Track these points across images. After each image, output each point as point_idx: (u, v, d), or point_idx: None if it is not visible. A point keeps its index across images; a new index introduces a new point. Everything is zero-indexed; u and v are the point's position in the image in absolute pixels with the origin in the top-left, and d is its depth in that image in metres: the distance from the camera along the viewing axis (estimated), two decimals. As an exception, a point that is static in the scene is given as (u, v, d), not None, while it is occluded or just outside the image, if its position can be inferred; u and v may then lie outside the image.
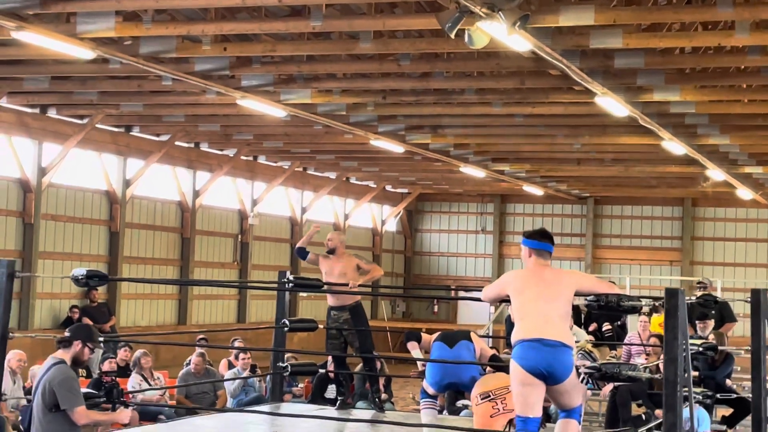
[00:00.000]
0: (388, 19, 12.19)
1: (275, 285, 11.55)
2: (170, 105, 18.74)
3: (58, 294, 20.61)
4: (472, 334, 9.69)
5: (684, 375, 6.89)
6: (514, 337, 7.02)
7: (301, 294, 26.92)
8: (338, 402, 11.65)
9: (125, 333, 20.62)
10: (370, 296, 28.88)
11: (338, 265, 11.25)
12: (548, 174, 27.18)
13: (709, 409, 13.19)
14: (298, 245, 11.56)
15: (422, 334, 10.03)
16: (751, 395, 9.60)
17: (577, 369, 7.46)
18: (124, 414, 8.52)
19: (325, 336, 11.50)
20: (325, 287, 10.87)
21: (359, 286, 11.23)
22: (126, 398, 13.26)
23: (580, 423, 7.30)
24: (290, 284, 10.50)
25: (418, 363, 10.32)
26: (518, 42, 11.14)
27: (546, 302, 7.03)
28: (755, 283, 29.75)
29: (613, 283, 8.58)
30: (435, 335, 9.81)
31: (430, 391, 9.42)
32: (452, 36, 10.28)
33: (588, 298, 7.29)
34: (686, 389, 7.00)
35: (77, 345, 8.07)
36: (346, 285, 11.00)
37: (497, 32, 10.26)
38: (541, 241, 7.35)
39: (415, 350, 9.83)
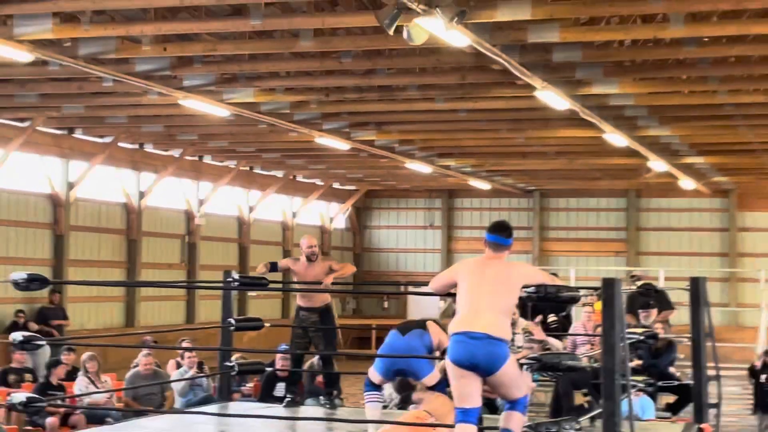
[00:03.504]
0: (328, 17, 12.21)
1: (220, 285, 11.54)
2: (112, 106, 18.62)
3: (3, 299, 20.39)
4: (430, 324, 9.69)
5: (622, 364, 6.99)
6: (449, 329, 7.11)
7: (251, 293, 26.90)
8: (286, 400, 11.68)
9: (73, 336, 20.45)
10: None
11: (312, 270, 11.34)
12: (494, 168, 27.36)
13: (653, 396, 13.40)
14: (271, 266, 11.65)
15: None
16: (692, 382, 9.78)
17: (519, 360, 7.54)
18: None
19: (282, 332, 11.60)
20: (298, 287, 11.05)
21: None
22: (72, 402, 13.26)
23: (524, 414, 7.36)
24: (235, 283, 10.52)
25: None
26: (457, 37, 11.21)
27: (483, 295, 7.05)
28: (699, 272, 30.14)
29: (555, 275, 8.68)
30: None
31: (376, 379, 9.42)
32: (391, 32, 10.33)
33: (528, 289, 7.33)
34: (626, 377, 7.10)
35: None
36: (316, 284, 11.13)
37: (435, 28, 10.33)
38: (493, 233, 7.36)
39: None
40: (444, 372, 9.20)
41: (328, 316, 11.49)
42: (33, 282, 8.28)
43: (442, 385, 9.52)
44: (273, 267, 11.47)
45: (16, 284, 8.23)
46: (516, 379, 7.13)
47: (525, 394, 7.32)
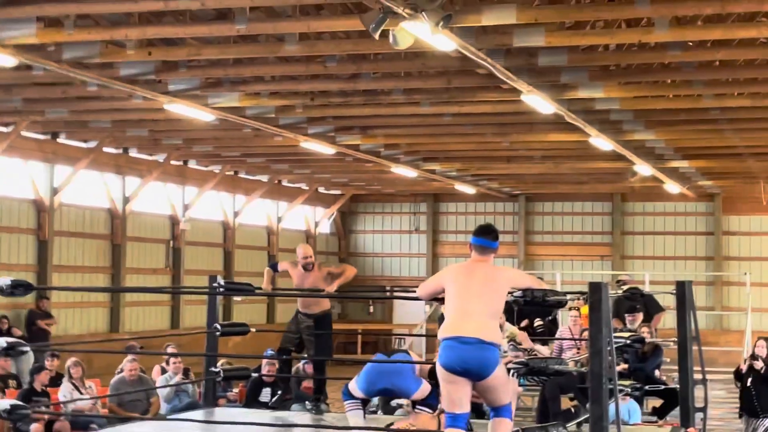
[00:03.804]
0: (313, 21, 12.18)
1: (206, 290, 11.49)
2: (97, 111, 18.56)
3: (-14, 305, 20.30)
4: (410, 352, 9.79)
5: (609, 368, 6.98)
6: (439, 335, 7.08)
7: (236, 298, 26.83)
8: (275, 398, 11.63)
9: (57, 342, 20.36)
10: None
11: (310, 277, 11.32)
12: (479, 172, 27.37)
13: (640, 400, 13.40)
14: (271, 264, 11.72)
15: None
16: (679, 386, 9.79)
17: (506, 365, 7.53)
18: None
19: (268, 338, 11.59)
20: (294, 293, 11.13)
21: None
22: (57, 409, 13.19)
23: (511, 420, 7.35)
24: (220, 289, 10.48)
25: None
26: (443, 42, 11.20)
27: (471, 299, 7.03)
28: (684, 276, 30.20)
29: (541, 279, 8.66)
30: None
31: (357, 394, 9.41)
32: (376, 37, 10.30)
33: (515, 294, 7.32)
34: (613, 382, 7.09)
35: None
36: (317, 291, 11.12)
37: (421, 32, 10.32)
38: (479, 236, 7.34)
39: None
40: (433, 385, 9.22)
41: (324, 323, 11.46)
42: (17, 288, 8.23)
43: (433, 397, 9.51)
44: (274, 267, 11.47)
45: (0, 290, 8.18)
46: (505, 383, 7.12)
47: (510, 400, 7.31)
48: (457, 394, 6.97)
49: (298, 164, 26.41)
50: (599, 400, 6.89)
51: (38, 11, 11.86)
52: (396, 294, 33.26)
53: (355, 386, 9.43)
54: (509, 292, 7.25)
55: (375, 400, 14.23)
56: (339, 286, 11.50)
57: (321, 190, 33.12)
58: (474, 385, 7.01)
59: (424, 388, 9.40)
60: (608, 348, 6.96)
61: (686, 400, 9.79)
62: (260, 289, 11.78)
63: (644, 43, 13.13)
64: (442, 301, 7.33)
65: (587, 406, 12.97)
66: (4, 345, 8.24)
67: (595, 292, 6.99)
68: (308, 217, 33.37)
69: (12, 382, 15.56)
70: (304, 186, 31.75)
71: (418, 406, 9.67)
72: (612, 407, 7.12)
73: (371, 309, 34.41)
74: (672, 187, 27.80)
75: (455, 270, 7.31)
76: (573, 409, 13.16)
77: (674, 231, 32.13)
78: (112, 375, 15.64)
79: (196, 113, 16.96)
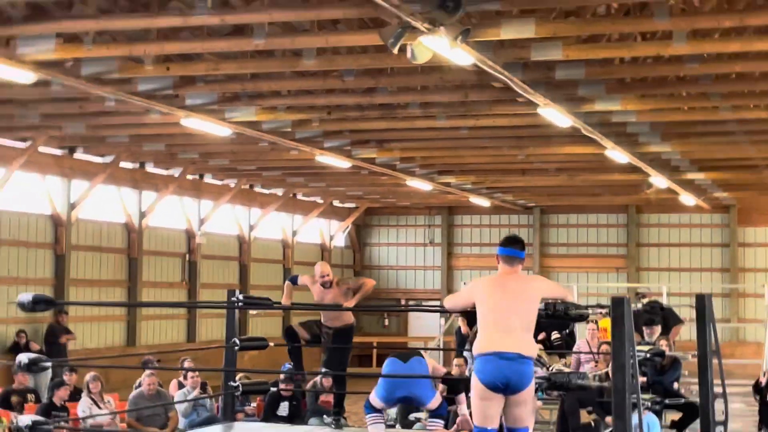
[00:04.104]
0: (331, 36, 12.22)
1: (225, 304, 11.49)
2: (114, 126, 18.62)
3: (4, 319, 20.36)
4: (423, 353, 9.77)
5: (632, 382, 6.96)
6: (475, 350, 7.04)
7: (251, 312, 26.85)
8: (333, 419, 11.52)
9: (74, 357, 20.41)
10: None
11: (330, 294, 11.32)
12: (494, 185, 27.37)
13: (659, 414, 13.37)
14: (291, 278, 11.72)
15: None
16: (699, 399, 9.75)
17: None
18: None
19: (285, 352, 11.57)
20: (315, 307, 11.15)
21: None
22: (76, 424, 13.21)
23: None
24: (240, 303, 10.48)
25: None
26: (460, 56, 11.22)
27: (507, 312, 7.00)
28: (700, 288, 30.15)
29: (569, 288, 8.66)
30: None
31: (378, 405, 9.41)
32: (395, 52, 10.33)
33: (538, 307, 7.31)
34: (635, 396, 7.07)
35: None
36: (338, 308, 11.10)
37: (439, 47, 10.34)
38: (506, 246, 7.31)
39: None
40: (445, 395, 9.22)
41: (343, 336, 11.43)
42: (38, 303, 8.26)
43: (443, 408, 9.51)
44: (293, 281, 11.47)
45: (22, 306, 8.20)
46: (533, 398, 7.13)
47: (532, 422, 7.29)
48: (490, 411, 6.97)
49: (313, 178, 26.46)
50: (623, 416, 6.85)
51: (58, 27, 11.92)
52: (414, 306, 33.25)
53: (375, 397, 9.43)
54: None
55: (393, 413, 14.23)
56: (360, 299, 11.48)
57: (336, 203, 33.14)
58: (507, 400, 6.99)
59: (438, 398, 9.43)
60: (631, 362, 6.93)
61: (707, 414, 9.72)
62: (279, 303, 11.82)
63: (660, 56, 13.14)
64: (467, 315, 7.34)
65: (606, 420, 12.98)
66: (26, 361, 8.28)
67: (618, 306, 6.95)
68: (323, 231, 33.39)
69: (30, 396, 15.61)
70: (318, 199, 31.78)
71: (430, 419, 9.69)
72: (634, 420, 7.09)
73: (386, 322, 34.40)
74: (687, 198, 27.75)
75: (487, 284, 7.28)
76: (592, 423, 13.14)
77: (689, 243, 32.05)
78: (129, 389, 15.68)
79: (213, 128, 17.01)
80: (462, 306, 7.47)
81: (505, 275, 7.24)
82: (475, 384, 6.98)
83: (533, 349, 7.08)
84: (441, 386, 9.71)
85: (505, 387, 6.90)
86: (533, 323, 7.19)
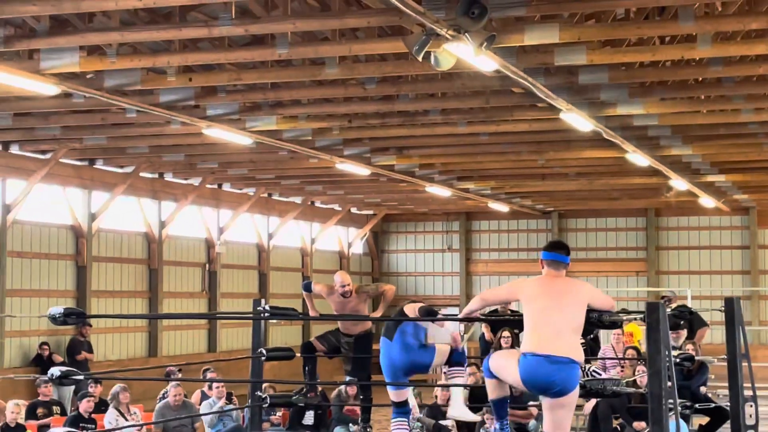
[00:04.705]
0: (353, 44, 12.21)
1: (251, 315, 11.48)
2: (134, 137, 18.66)
3: (27, 332, 20.40)
4: (407, 308, 9.48)
5: (667, 387, 6.92)
6: (524, 347, 7.00)
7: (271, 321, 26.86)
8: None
9: (96, 369, 20.43)
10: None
11: (350, 303, 11.29)
12: (513, 190, 27.32)
13: (687, 419, 13.30)
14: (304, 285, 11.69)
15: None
16: (729, 404, 9.70)
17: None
18: None
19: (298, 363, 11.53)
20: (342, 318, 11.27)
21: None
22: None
23: None
24: (266, 313, 10.47)
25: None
26: (484, 62, 11.20)
27: (558, 314, 6.97)
28: (721, 291, 30.03)
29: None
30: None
31: (397, 397, 9.25)
32: (420, 59, 10.31)
33: None
34: (671, 401, 7.03)
35: None
36: (359, 318, 11.06)
37: (464, 53, 10.32)
38: (551, 251, 7.30)
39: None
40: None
41: (363, 342, 11.41)
42: (69, 316, 8.27)
43: (458, 355, 9.29)
44: (307, 288, 11.44)
45: (54, 319, 8.22)
46: (575, 404, 7.10)
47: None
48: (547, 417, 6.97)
49: (331, 185, 26.46)
50: (660, 421, 6.82)
51: (81, 40, 11.95)
52: (441, 317, 33.15)
53: (390, 390, 9.29)
54: None
55: (417, 424, 14.17)
56: (385, 308, 11.46)
57: (354, 210, 33.14)
58: (547, 402, 6.95)
59: (441, 351, 9.19)
60: (667, 368, 6.90)
61: (737, 417, 9.67)
62: (303, 314, 11.79)
63: (682, 59, 13.09)
64: (491, 322, 7.31)
65: (633, 425, 12.91)
66: (59, 374, 8.30)
67: (653, 311, 6.93)
68: (341, 238, 33.39)
69: (56, 409, 15.62)
70: (337, 207, 31.78)
71: (449, 370, 9.45)
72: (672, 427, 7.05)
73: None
74: (707, 201, 27.64)
75: (535, 284, 7.25)
76: (619, 428, 13.09)
77: (709, 245, 31.89)
78: (151, 400, 15.68)
79: (234, 137, 17.03)
80: (499, 301, 7.51)
81: (552, 278, 7.22)
82: (514, 373, 6.94)
83: (581, 354, 7.05)
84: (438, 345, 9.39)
85: (548, 389, 6.87)
86: (581, 327, 7.15)
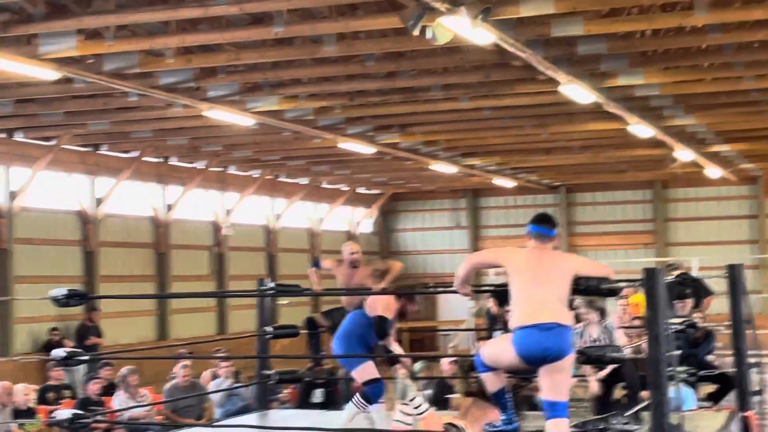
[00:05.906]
0: (350, 21, 12.19)
1: (256, 292, 11.51)
2: (137, 121, 18.70)
3: (37, 318, 20.50)
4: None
5: (666, 353, 6.93)
6: (512, 324, 7.03)
7: (281, 301, 26.89)
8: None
9: (112, 351, 20.50)
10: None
11: (357, 276, 11.30)
12: (518, 165, 27.30)
13: (694, 386, 13.30)
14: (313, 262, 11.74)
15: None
16: (734, 370, 9.70)
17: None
18: None
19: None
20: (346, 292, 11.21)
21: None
22: (112, 417, 13.29)
23: (567, 417, 7.28)
24: (271, 291, 10.50)
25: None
26: (481, 35, 11.17)
27: (542, 286, 7.01)
28: (730, 260, 29.87)
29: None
30: None
31: (372, 372, 9.32)
32: (416, 33, 10.30)
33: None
34: (671, 368, 7.04)
35: None
36: (365, 290, 11.05)
37: (460, 27, 10.30)
38: (536, 224, 7.32)
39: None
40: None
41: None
42: (72, 298, 8.32)
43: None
44: (316, 264, 11.47)
45: (56, 300, 8.26)
46: (571, 367, 7.11)
47: (567, 395, 7.25)
48: (545, 383, 6.96)
49: (337, 165, 26.47)
50: (659, 386, 6.83)
51: (78, 24, 11.97)
52: (443, 289, 33.17)
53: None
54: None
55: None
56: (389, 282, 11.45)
57: (361, 190, 33.15)
58: (543, 369, 6.96)
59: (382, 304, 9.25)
60: (665, 333, 6.91)
61: (742, 384, 9.69)
62: (308, 290, 11.80)
63: (682, 27, 13.04)
64: (497, 294, 7.31)
65: (640, 394, 12.89)
66: (63, 354, 8.35)
67: (650, 277, 6.95)
68: (349, 218, 33.42)
69: (66, 392, 15.70)
70: (344, 187, 31.80)
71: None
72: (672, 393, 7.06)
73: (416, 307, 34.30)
74: (713, 171, 27.58)
75: (521, 256, 7.25)
76: (623, 400, 13.06)
77: (717, 216, 31.84)
78: (161, 383, 15.73)
79: (236, 118, 17.04)
80: (489, 264, 7.51)
81: (538, 250, 7.24)
82: (510, 352, 6.96)
83: (570, 318, 7.07)
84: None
85: (544, 357, 6.89)
86: (566, 296, 7.16)
